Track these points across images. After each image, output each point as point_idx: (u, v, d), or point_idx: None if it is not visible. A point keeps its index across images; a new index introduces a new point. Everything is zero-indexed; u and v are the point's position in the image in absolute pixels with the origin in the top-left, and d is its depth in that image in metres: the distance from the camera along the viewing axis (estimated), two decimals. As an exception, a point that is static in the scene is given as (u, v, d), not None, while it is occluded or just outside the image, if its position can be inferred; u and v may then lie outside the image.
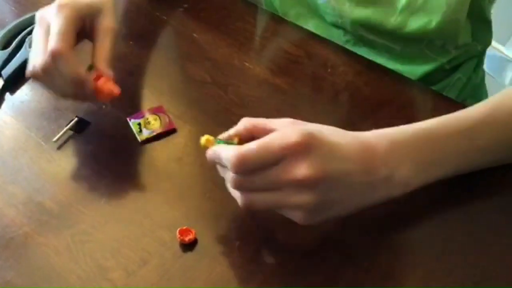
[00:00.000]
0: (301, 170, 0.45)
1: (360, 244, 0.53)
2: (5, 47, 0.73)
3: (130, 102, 0.64)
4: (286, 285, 0.50)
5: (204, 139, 0.52)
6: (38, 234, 0.54)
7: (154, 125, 0.62)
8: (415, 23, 0.69)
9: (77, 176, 0.59)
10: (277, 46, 0.73)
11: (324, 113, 0.65)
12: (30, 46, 0.71)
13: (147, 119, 0.63)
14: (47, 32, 0.57)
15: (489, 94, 0.88)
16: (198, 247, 0.53)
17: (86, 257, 0.52)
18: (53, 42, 0.56)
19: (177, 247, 0.53)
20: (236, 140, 0.51)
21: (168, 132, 0.62)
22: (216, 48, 0.73)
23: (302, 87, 0.69)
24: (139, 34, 0.76)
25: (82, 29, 0.60)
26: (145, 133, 0.62)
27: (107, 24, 0.60)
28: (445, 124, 0.54)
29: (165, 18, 0.77)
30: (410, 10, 0.68)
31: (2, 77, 0.69)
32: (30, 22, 0.75)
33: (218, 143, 0.51)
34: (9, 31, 0.75)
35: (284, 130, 0.47)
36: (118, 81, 0.68)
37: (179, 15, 0.78)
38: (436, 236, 0.53)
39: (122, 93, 0.66)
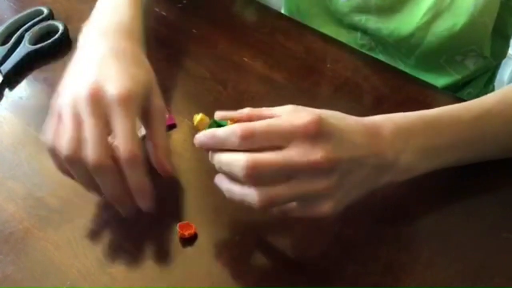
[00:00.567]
0: (316, 153, 0.44)
1: (360, 238, 0.53)
2: (4, 43, 0.73)
3: None
4: (286, 280, 0.50)
5: (198, 118, 0.49)
6: (38, 229, 0.54)
7: (154, 120, 0.62)
8: (439, 27, 0.69)
9: None
10: (276, 41, 0.73)
11: (323, 108, 0.65)
12: (29, 42, 0.72)
13: (147, 114, 0.63)
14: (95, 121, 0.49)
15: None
16: (198, 242, 0.53)
17: (86, 252, 0.52)
18: (126, 144, 0.48)
19: (177, 242, 0.53)
20: (230, 122, 0.48)
21: (168, 127, 0.62)
22: (215, 44, 0.73)
23: (301, 83, 0.69)
24: None
25: None
26: (142, 132, 0.61)
27: (159, 104, 0.53)
28: (452, 112, 0.53)
29: (164, 14, 0.77)
30: (435, 11, 0.68)
31: (1, 73, 0.69)
32: (29, 18, 0.76)
33: (211, 126, 0.49)
34: (8, 27, 0.75)
35: (292, 114, 0.46)
36: None
37: (178, 11, 0.78)
38: (434, 230, 0.54)
39: None
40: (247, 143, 0.44)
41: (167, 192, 0.57)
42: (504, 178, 0.58)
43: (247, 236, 0.53)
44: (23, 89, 0.69)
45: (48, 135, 0.51)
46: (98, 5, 0.62)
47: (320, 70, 0.70)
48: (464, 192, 0.57)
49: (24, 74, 0.70)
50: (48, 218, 0.55)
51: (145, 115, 0.53)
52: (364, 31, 0.77)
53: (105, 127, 0.49)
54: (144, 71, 0.54)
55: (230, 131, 0.45)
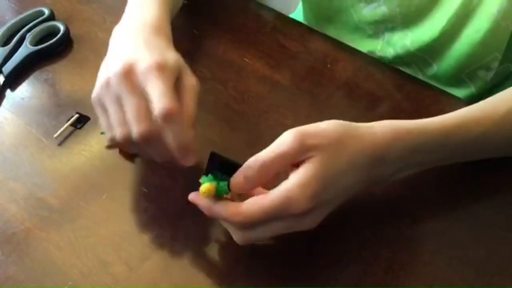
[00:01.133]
0: (301, 226, 0.47)
1: (360, 238, 0.53)
2: (5, 44, 0.73)
3: None
4: (286, 280, 0.50)
5: (205, 191, 0.48)
6: (40, 230, 0.54)
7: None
8: (463, 33, 0.67)
9: (78, 171, 0.59)
10: (277, 41, 0.73)
11: (323, 109, 0.65)
12: (30, 43, 0.72)
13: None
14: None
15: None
16: (199, 242, 0.53)
17: (88, 252, 0.52)
18: (163, 101, 0.49)
19: (179, 242, 0.53)
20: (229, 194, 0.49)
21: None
22: (215, 44, 0.73)
23: (302, 83, 0.69)
24: None
25: None
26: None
27: (192, 80, 0.54)
28: (457, 127, 0.53)
29: (165, 14, 0.77)
30: (460, 16, 0.67)
31: (3, 74, 0.70)
32: (30, 19, 0.76)
33: (218, 188, 0.48)
34: (10, 28, 0.75)
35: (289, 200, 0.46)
36: None
37: (178, 11, 0.77)
38: (434, 230, 0.54)
39: None
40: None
41: (168, 192, 0.57)
42: (504, 177, 0.58)
43: None
44: (25, 89, 0.69)
45: (106, 132, 0.53)
46: (128, 6, 0.64)
47: (321, 70, 0.70)
48: (464, 191, 0.57)
49: (25, 75, 0.70)
50: (50, 218, 0.55)
51: (177, 91, 0.53)
52: (387, 40, 0.76)
53: (143, 100, 0.50)
54: (173, 53, 0.56)
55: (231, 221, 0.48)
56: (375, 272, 0.51)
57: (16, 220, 0.55)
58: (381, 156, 0.49)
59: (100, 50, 0.71)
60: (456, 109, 0.54)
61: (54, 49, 0.73)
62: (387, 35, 0.76)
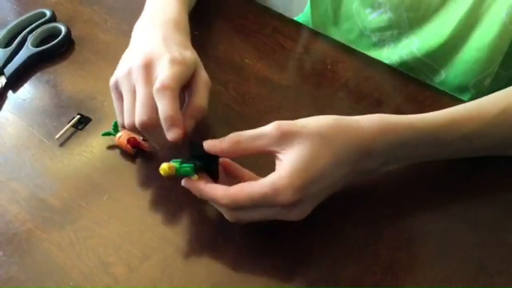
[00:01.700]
0: (291, 215, 0.50)
1: (360, 237, 0.53)
2: (7, 45, 0.74)
3: None
4: (286, 280, 0.51)
5: (165, 170, 0.50)
6: (41, 230, 0.55)
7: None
8: (472, 37, 0.67)
9: (79, 172, 0.59)
10: (277, 42, 0.73)
11: (324, 110, 0.64)
12: (32, 45, 0.72)
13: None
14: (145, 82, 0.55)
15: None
16: (199, 243, 0.53)
17: (89, 253, 0.52)
18: (163, 77, 0.53)
19: (178, 242, 0.53)
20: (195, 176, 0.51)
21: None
22: (216, 45, 0.73)
23: (302, 84, 0.69)
24: None
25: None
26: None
27: (204, 77, 0.59)
28: (446, 125, 0.53)
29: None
30: (469, 20, 0.66)
31: (5, 75, 0.70)
32: (32, 20, 0.76)
33: (178, 170, 0.51)
34: (11, 29, 0.76)
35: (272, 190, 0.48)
36: None
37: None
38: (434, 230, 0.54)
39: None
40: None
41: (169, 193, 0.57)
42: (503, 177, 0.58)
43: (247, 236, 0.53)
44: (26, 91, 0.69)
45: (118, 117, 0.57)
46: (148, 2, 0.67)
47: (321, 72, 0.70)
48: (463, 191, 0.57)
49: (27, 76, 0.71)
50: (51, 219, 0.55)
51: (190, 85, 0.58)
52: (393, 47, 0.75)
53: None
54: (190, 52, 0.60)
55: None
56: (374, 273, 0.51)
57: (18, 220, 0.55)
58: (367, 149, 0.50)
59: (101, 52, 0.73)
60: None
61: (56, 50, 0.73)
62: (392, 43, 0.75)
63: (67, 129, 0.63)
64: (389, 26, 0.73)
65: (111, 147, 0.62)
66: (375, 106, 0.66)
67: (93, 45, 0.74)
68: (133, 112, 0.54)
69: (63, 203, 0.57)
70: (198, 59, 0.60)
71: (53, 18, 0.77)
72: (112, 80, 0.57)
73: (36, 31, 0.74)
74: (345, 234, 0.53)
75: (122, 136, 0.60)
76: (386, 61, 0.74)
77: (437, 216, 0.55)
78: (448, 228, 0.54)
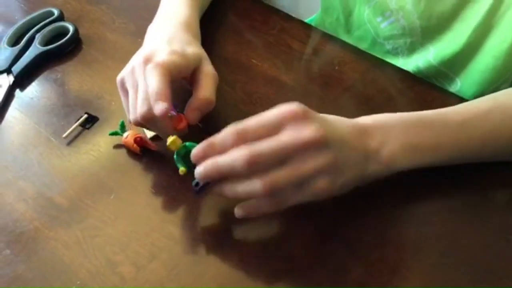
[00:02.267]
0: (306, 131, 0.47)
1: (366, 239, 0.53)
2: (15, 44, 0.74)
3: None
4: (293, 281, 0.50)
5: (170, 140, 0.54)
6: (48, 229, 0.55)
7: (163, 121, 0.63)
8: (488, 44, 0.66)
9: (87, 171, 0.59)
10: (284, 43, 0.73)
11: (331, 110, 0.64)
12: (39, 44, 0.73)
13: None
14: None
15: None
16: (206, 242, 0.53)
17: (96, 252, 0.52)
18: (155, 59, 0.56)
19: (185, 242, 0.53)
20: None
21: (181, 129, 0.62)
22: (223, 45, 0.73)
23: (309, 84, 0.68)
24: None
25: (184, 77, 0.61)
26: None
27: (210, 70, 0.60)
28: (439, 114, 0.55)
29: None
30: (485, 27, 0.65)
31: (12, 74, 0.70)
32: (40, 19, 0.77)
33: (181, 149, 0.54)
34: (19, 28, 0.76)
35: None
36: None
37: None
38: (442, 232, 0.54)
39: None
40: (243, 141, 0.48)
41: (176, 193, 0.57)
42: (511, 179, 0.58)
43: (255, 237, 0.53)
44: (34, 89, 0.69)
45: (127, 114, 0.59)
46: (161, 6, 0.70)
47: (328, 72, 0.69)
48: (471, 193, 0.57)
49: (35, 75, 0.71)
50: (58, 218, 0.55)
51: (195, 79, 0.59)
52: (407, 55, 0.75)
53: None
54: (194, 47, 0.61)
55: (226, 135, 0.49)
56: (381, 274, 0.51)
57: (25, 219, 0.55)
58: (362, 127, 0.53)
59: (109, 51, 0.73)
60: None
61: (63, 49, 0.73)
62: (406, 51, 0.75)
63: (75, 128, 0.63)
64: (402, 34, 0.73)
65: (118, 146, 0.62)
66: (383, 107, 0.65)
67: (101, 44, 0.74)
68: (135, 107, 0.56)
69: (70, 202, 0.57)
70: (204, 55, 0.62)
71: (61, 17, 0.77)
72: (118, 78, 0.59)
73: (44, 30, 0.75)
74: (352, 237, 0.53)
75: (129, 136, 0.60)
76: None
77: (444, 218, 0.55)
78: (455, 231, 0.54)
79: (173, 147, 0.54)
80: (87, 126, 0.64)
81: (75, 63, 0.72)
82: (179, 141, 0.54)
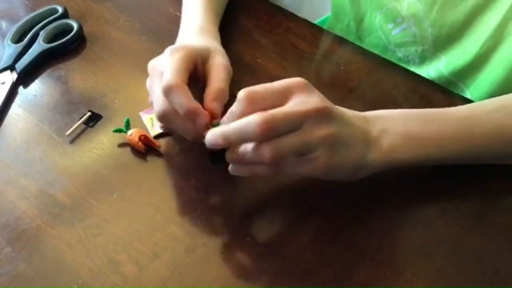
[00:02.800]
0: (313, 99, 0.49)
1: (372, 241, 0.53)
2: (18, 41, 0.73)
3: (142, 97, 0.64)
4: (297, 283, 0.50)
5: None
6: (50, 227, 0.54)
7: (167, 120, 0.62)
8: (500, 56, 0.65)
9: (90, 169, 0.59)
10: (290, 42, 0.73)
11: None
12: (43, 41, 0.72)
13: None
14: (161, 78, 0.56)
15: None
16: (209, 242, 0.53)
17: (98, 251, 0.52)
18: (165, 78, 0.53)
19: (188, 242, 0.53)
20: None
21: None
22: (228, 44, 0.72)
23: (315, 84, 0.65)
24: (152, 29, 0.76)
25: (195, 73, 0.59)
26: (158, 128, 0.62)
27: (220, 61, 0.60)
28: (440, 110, 0.56)
29: (178, 14, 0.76)
30: (497, 38, 0.64)
31: (16, 71, 0.70)
32: (44, 16, 0.76)
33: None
34: (23, 25, 0.76)
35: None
36: (130, 75, 0.69)
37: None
38: (447, 235, 0.53)
39: (135, 87, 0.67)
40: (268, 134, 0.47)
41: (179, 192, 0.57)
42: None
43: (258, 238, 0.53)
44: (37, 86, 0.69)
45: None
46: (182, 18, 0.70)
47: (334, 72, 0.69)
48: (476, 196, 0.56)
49: (38, 72, 0.70)
50: (60, 216, 0.55)
51: (207, 71, 0.59)
52: (418, 64, 0.75)
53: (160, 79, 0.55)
54: (203, 45, 0.61)
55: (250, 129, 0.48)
56: (386, 277, 0.50)
57: (27, 217, 0.55)
58: (364, 116, 0.54)
59: (113, 49, 0.73)
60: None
61: (67, 46, 0.73)
62: (418, 59, 0.74)
63: (78, 126, 0.63)
64: (413, 42, 0.73)
65: (121, 145, 0.61)
66: (389, 108, 0.64)
67: (105, 42, 0.74)
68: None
69: (73, 200, 0.56)
70: (214, 47, 0.61)
71: (65, 15, 0.77)
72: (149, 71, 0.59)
73: (48, 27, 0.74)
74: (358, 239, 0.53)
75: (133, 134, 0.60)
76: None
77: (450, 221, 0.54)
78: (462, 234, 0.53)
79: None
80: (90, 124, 0.63)
81: (79, 60, 0.72)
82: None
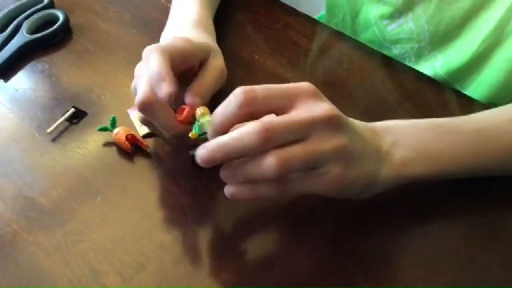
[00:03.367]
0: (320, 107, 0.44)
1: (377, 253, 0.49)
2: (1, 31, 0.71)
3: (131, 93, 0.61)
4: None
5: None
6: (27, 233, 0.51)
7: (156, 118, 0.59)
8: (498, 57, 0.62)
9: (72, 170, 0.56)
10: (289, 38, 0.70)
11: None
12: (27, 31, 0.70)
13: (149, 111, 0.60)
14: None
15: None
16: (200, 252, 0.49)
17: (78, 259, 0.49)
18: (156, 64, 0.49)
19: (177, 251, 0.49)
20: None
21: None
22: (223, 39, 0.69)
23: (315, 83, 0.62)
24: (143, 21, 0.73)
25: (189, 71, 0.55)
26: (147, 128, 0.58)
27: (218, 64, 0.57)
28: (454, 121, 0.52)
29: (171, 5, 0.73)
30: (495, 38, 0.62)
31: (-4, 63, 0.67)
32: (28, 6, 0.73)
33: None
34: (6, 14, 0.73)
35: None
36: (118, 70, 0.66)
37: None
38: (459, 248, 0.50)
39: (123, 83, 0.64)
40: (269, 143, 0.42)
41: (168, 197, 0.54)
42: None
43: (254, 249, 0.50)
44: (19, 80, 0.66)
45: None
46: (172, 8, 0.67)
47: (335, 70, 0.66)
48: (490, 208, 0.53)
49: (20, 65, 0.68)
50: (39, 220, 0.52)
51: (202, 71, 0.55)
52: (414, 62, 0.72)
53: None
54: (206, 43, 0.58)
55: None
56: (391, 291, 0.47)
57: (2, 221, 0.52)
58: (372, 128, 0.50)
59: (100, 41, 0.70)
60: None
61: (52, 38, 0.70)
62: (413, 57, 0.72)
63: (61, 123, 0.60)
64: (409, 39, 0.70)
65: (107, 144, 0.58)
66: (392, 109, 0.62)
67: (92, 34, 0.71)
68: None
69: (53, 204, 0.53)
70: (214, 48, 0.59)
71: (51, 4, 0.74)
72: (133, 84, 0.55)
73: (32, 17, 0.72)
74: (360, 251, 0.49)
75: (120, 132, 0.57)
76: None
77: (461, 233, 0.51)
78: (472, 247, 0.50)
79: (196, 115, 0.49)
80: (74, 121, 0.60)
81: (64, 53, 0.69)
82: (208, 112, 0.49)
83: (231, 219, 0.52)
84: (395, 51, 0.73)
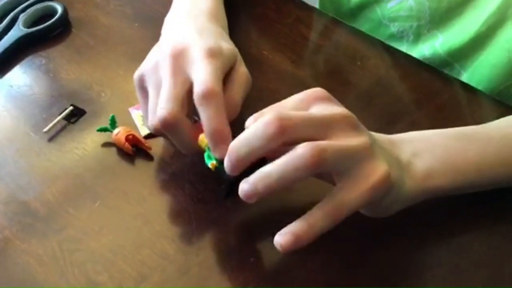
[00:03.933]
0: (336, 108, 0.43)
1: (396, 265, 0.47)
2: (-4, 24, 0.69)
3: (133, 90, 0.58)
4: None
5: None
6: (20, 240, 0.49)
7: (160, 118, 0.57)
8: (500, 37, 0.61)
9: (69, 173, 0.54)
10: (300, 33, 0.68)
11: (351, 111, 0.58)
12: (23, 25, 0.68)
13: (153, 110, 0.57)
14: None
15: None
16: (205, 262, 0.47)
17: (75, 270, 0.46)
18: (204, 81, 0.47)
19: (181, 261, 0.47)
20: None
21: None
22: (231, 35, 0.66)
23: (327, 81, 0.63)
24: (145, 15, 0.71)
25: None
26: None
27: (244, 70, 0.54)
28: (479, 128, 0.50)
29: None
30: (499, 17, 0.60)
31: (-10, 58, 0.65)
32: (24, -2, 0.71)
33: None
34: (2, 7, 0.71)
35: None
36: (120, 66, 0.64)
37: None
38: (486, 258, 0.47)
39: (124, 80, 0.62)
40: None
41: (172, 202, 0.51)
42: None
43: (263, 259, 0.47)
44: (15, 76, 0.64)
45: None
46: None
47: (349, 67, 0.64)
48: (499, 209, 0.50)
49: (16, 60, 0.66)
50: (33, 226, 0.49)
51: (228, 81, 0.52)
52: (413, 40, 0.70)
53: (180, 85, 0.48)
54: (228, 44, 0.55)
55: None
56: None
57: (-6, 227, 0.50)
58: (388, 138, 0.47)
59: (101, 36, 0.68)
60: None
61: (50, 32, 0.68)
62: (412, 36, 0.70)
63: (58, 122, 0.58)
64: (408, 17, 0.68)
65: (107, 145, 0.56)
66: (411, 110, 0.59)
67: (92, 28, 0.69)
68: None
69: (48, 208, 0.51)
70: (237, 52, 0.55)
71: (49, -3, 0.72)
72: (136, 74, 0.52)
73: (29, 10, 0.69)
74: (378, 262, 0.47)
75: (120, 133, 0.54)
76: None
77: (487, 244, 0.48)
78: (500, 258, 0.47)
79: (203, 144, 0.48)
80: (72, 120, 0.58)
81: (62, 48, 0.67)
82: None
83: (239, 227, 0.50)
84: (393, 29, 0.71)
